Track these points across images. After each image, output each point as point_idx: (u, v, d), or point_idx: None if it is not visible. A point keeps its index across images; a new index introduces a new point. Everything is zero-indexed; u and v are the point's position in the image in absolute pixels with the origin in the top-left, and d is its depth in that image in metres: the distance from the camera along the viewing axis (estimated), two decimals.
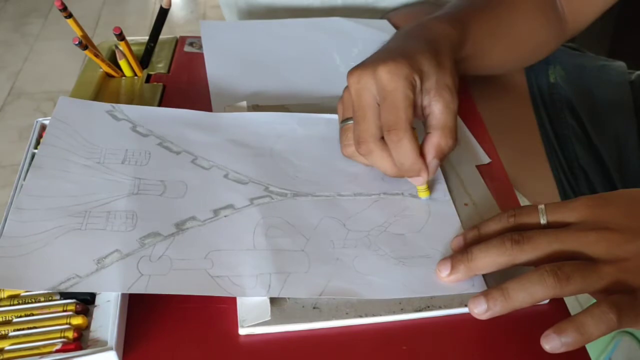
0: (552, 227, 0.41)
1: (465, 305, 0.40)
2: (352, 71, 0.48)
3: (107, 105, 0.54)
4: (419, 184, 0.48)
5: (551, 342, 0.36)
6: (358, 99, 0.47)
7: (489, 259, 0.40)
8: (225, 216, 0.45)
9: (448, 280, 0.41)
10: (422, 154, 0.47)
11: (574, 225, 0.40)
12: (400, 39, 0.53)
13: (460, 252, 0.41)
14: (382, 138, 0.47)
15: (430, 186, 0.49)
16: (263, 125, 0.55)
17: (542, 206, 0.42)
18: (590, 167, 0.72)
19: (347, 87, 0.49)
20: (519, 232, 0.40)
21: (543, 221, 0.41)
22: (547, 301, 0.41)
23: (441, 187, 0.50)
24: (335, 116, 0.56)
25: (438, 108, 0.47)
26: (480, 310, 0.38)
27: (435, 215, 0.48)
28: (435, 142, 0.47)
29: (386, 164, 0.47)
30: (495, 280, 0.42)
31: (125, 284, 0.39)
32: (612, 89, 0.74)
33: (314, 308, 0.40)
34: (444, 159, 0.48)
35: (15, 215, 0.43)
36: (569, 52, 0.77)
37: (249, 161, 0.51)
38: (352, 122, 0.49)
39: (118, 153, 0.50)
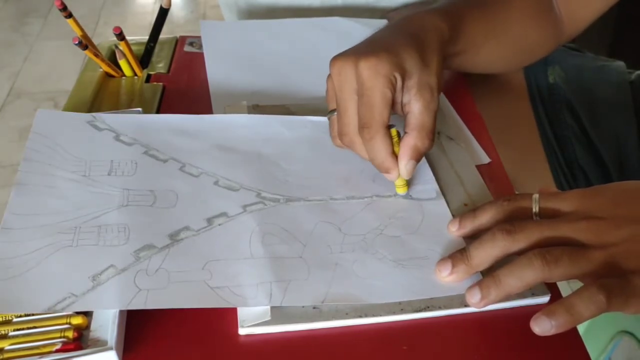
0: (544, 215, 0.42)
1: (465, 305, 0.40)
2: (334, 60, 0.48)
3: (87, 116, 0.53)
4: (391, 179, 0.48)
5: (541, 324, 0.36)
6: (340, 92, 0.48)
7: (485, 253, 0.40)
8: (219, 225, 0.45)
9: (449, 279, 0.42)
10: (395, 155, 0.47)
11: (566, 214, 0.41)
12: (387, 30, 0.52)
13: (459, 252, 0.42)
14: None
15: (410, 182, 0.49)
16: (248, 128, 0.54)
17: (536, 195, 0.43)
18: (589, 167, 0.72)
19: (329, 76, 0.49)
20: (510, 222, 0.41)
21: (535, 208, 0.42)
22: (547, 300, 0.41)
23: (432, 187, 0.50)
24: (321, 118, 0.56)
25: (417, 108, 0.47)
26: (475, 299, 0.39)
27: (429, 215, 0.47)
28: (412, 143, 0.47)
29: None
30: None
31: (124, 300, 0.39)
32: (612, 89, 0.74)
33: (314, 308, 0.40)
34: (420, 159, 0.48)
35: (3, 235, 0.42)
36: (568, 52, 0.77)
37: (238, 167, 0.50)
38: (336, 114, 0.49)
39: (103, 164, 0.48)
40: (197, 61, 0.66)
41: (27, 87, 1.98)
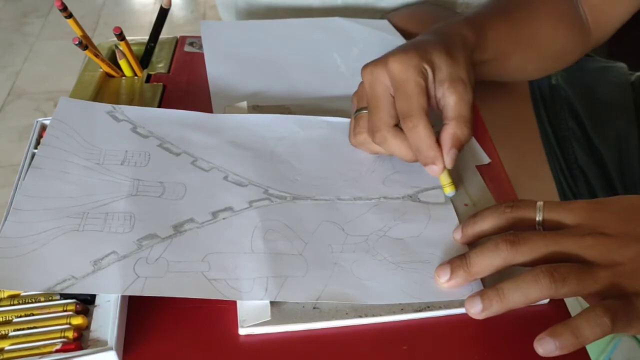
0: (547, 225, 0.42)
1: None
2: (365, 66, 0.50)
3: (107, 106, 0.54)
4: (435, 173, 0.48)
5: (545, 346, 0.36)
6: (371, 90, 0.49)
7: (486, 262, 0.40)
8: (223, 219, 0.45)
9: (447, 285, 0.41)
10: (439, 144, 0.47)
11: (570, 228, 0.40)
12: (413, 39, 0.54)
13: (459, 258, 0.41)
14: (396, 125, 0.48)
15: (455, 182, 0.49)
16: (264, 127, 0.54)
17: (540, 203, 0.42)
18: (589, 168, 0.72)
19: (362, 82, 0.51)
20: (514, 233, 0.40)
21: (539, 217, 0.41)
22: (546, 301, 0.41)
23: (442, 191, 0.50)
24: (336, 119, 0.56)
25: (452, 99, 0.48)
26: (476, 310, 0.38)
27: (435, 219, 0.47)
28: (451, 132, 0.47)
29: (402, 150, 0.48)
30: (493, 282, 0.42)
31: (122, 285, 0.39)
32: (613, 90, 0.74)
33: (314, 308, 0.40)
34: (461, 149, 0.48)
35: (14, 216, 0.43)
36: None
37: (249, 163, 0.50)
38: (365, 111, 0.50)
39: (118, 154, 0.49)
40: (197, 61, 0.66)
41: (27, 87, 1.98)
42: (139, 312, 0.40)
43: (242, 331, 0.39)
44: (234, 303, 0.40)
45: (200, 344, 0.38)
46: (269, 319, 0.39)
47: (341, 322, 0.40)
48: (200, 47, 0.69)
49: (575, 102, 0.73)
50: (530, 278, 0.37)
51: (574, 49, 0.65)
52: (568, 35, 0.63)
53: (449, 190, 0.49)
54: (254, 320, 0.39)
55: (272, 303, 0.40)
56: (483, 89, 0.65)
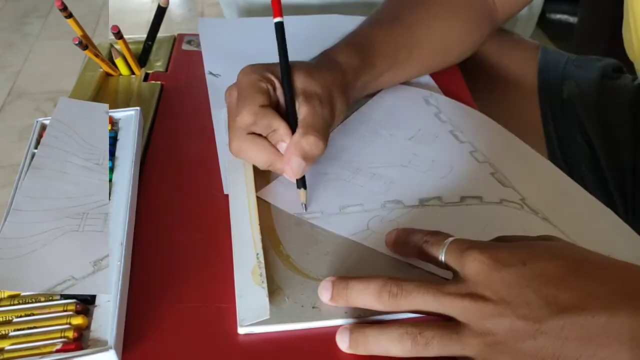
0: (447, 266, 0.40)
1: None
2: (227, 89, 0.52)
3: (106, 106, 0.54)
4: (290, 178, 0.48)
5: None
6: (229, 106, 0.51)
7: (366, 300, 0.39)
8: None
9: (329, 304, 0.40)
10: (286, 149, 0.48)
11: (459, 281, 0.38)
12: None
13: (343, 283, 0.39)
14: (253, 133, 0.49)
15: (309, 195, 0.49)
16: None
17: (448, 240, 0.40)
18: (594, 187, 0.70)
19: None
20: (398, 284, 0.38)
21: (441, 258, 0.40)
22: None
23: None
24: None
25: (303, 110, 0.48)
26: (343, 347, 0.38)
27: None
28: (295, 139, 0.47)
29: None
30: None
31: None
32: (622, 99, 0.72)
33: (313, 308, 0.40)
34: (309, 159, 0.47)
35: (13, 216, 0.43)
36: (580, 64, 0.75)
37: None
38: None
39: None
40: (195, 59, 0.66)
41: (27, 87, 1.98)
42: (139, 312, 0.40)
43: (241, 330, 0.39)
44: (233, 302, 0.40)
45: (199, 343, 0.38)
46: (267, 317, 0.39)
47: (340, 322, 0.40)
48: (198, 45, 0.69)
49: (585, 118, 0.72)
50: (395, 336, 0.36)
51: (478, 33, 0.65)
52: (469, 20, 0.63)
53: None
54: (253, 319, 0.39)
55: (271, 302, 0.40)
56: (489, 98, 0.65)
